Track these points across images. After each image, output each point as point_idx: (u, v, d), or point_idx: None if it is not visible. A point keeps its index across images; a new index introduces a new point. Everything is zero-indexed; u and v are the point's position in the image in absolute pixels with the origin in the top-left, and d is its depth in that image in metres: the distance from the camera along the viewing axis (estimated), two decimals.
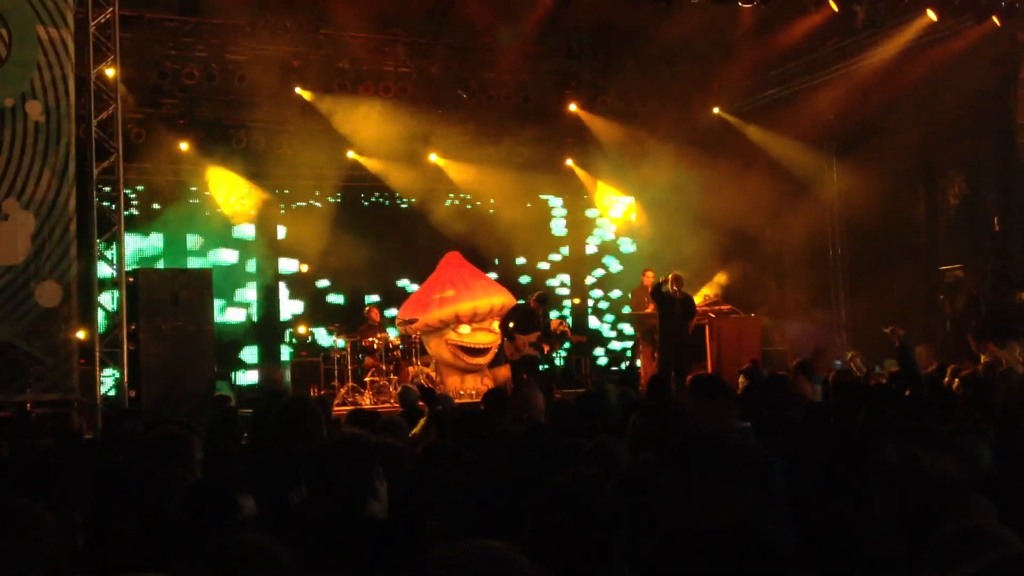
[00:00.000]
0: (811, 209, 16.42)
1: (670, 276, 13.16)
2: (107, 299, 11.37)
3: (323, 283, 17.11)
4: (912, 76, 13.59)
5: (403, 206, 17.74)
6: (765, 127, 16.12)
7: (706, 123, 16.63)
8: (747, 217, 15.98)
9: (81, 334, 10.88)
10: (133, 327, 11.17)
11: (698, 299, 15.06)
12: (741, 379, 8.16)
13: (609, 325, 19.12)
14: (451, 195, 17.68)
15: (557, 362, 16.88)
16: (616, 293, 18.99)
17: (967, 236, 14.76)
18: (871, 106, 14.65)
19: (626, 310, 17.66)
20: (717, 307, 14.57)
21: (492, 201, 17.93)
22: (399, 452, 4.56)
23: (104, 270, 11.23)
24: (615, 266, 19.31)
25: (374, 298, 16.65)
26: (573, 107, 16.42)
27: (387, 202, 17.66)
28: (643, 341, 15.09)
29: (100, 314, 11.18)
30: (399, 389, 11.66)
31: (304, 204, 17.03)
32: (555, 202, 19.18)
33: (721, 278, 16.28)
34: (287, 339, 16.59)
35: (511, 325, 13.50)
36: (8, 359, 10.09)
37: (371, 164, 16.39)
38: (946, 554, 2.27)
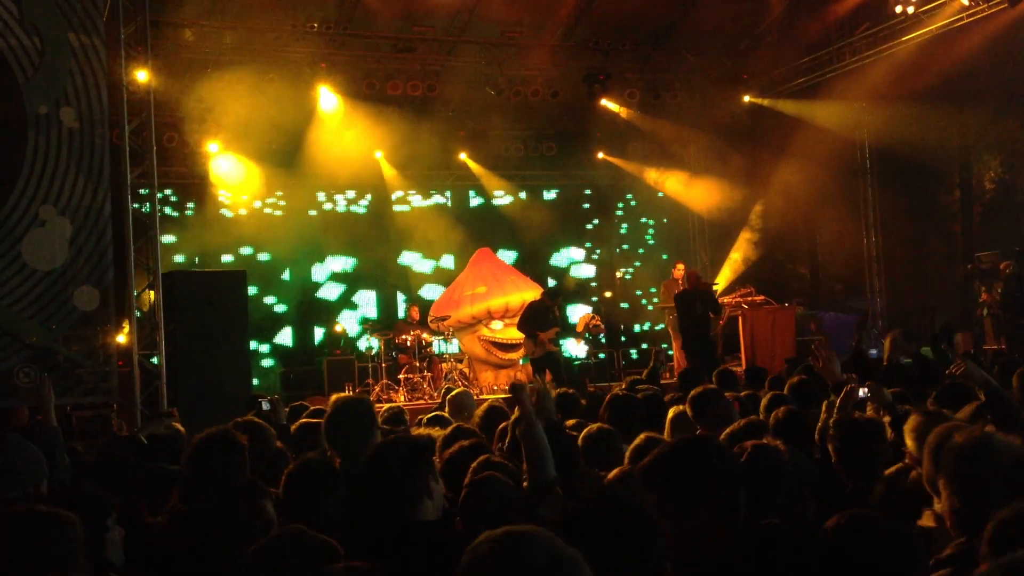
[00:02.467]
0: (845, 196, 16.26)
1: (687, 274, 13.17)
2: (144, 302, 11.51)
3: (357, 284, 17.26)
4: (946, 62, 13.39)
5: (434, 202, 17.81)
6: (796, 116, 15.98)
7: (736, 113, 16.51)
8: (780, 206, 15.86)
9: (121, 338, 11.01)
10: (171, 328, 11.28)
11: (722, 281, 15.00)
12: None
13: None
14: (480, 190, 17.71)
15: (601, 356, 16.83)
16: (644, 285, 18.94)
17: (1003, 221, 14.57)
18: (904, 93, 14.45)
19: (656, 301, 17.61)
20: (750, 298, 14.47)
21: (523, 196, 17.94)
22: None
23: (140, 273, 11.36)
24: (646, 258, 19.26)
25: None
26: (603, 101, 16.35)
27: (419, 201, 17.72)
28: (674, 334, 15.04)
29: (137, 317, 11.31)
30: (442, 387, 11.75)
31: (335, 204, 17.17)
32: (585, 196, 19.14)
33: (736, 255, 16.30)
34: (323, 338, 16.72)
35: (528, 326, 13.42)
36: (48, 363, 10.22)
37: (395, 170, 16.49)
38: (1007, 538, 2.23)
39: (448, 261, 17.56)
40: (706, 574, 2.68)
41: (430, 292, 17.24)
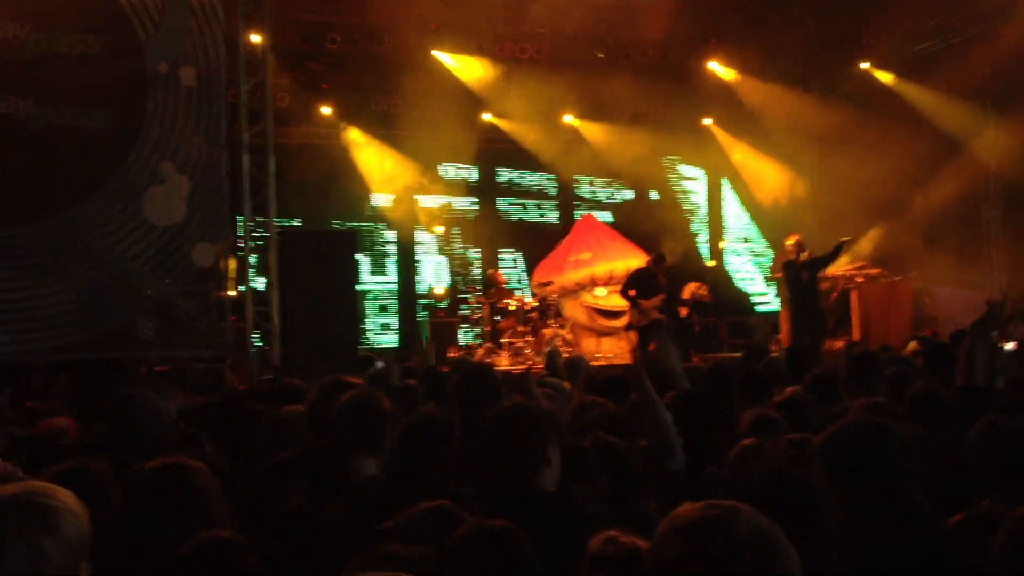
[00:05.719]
0: (965, 168, 15.54)
1: (790, 243, 12.63)
2: (257, 260, 11.72)
3: (460, 247, 17.34)
4: None
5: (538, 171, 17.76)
6: (918, 83, 15.33)
7: (855, 79, 15.91)
8: (897, 177, 15.25)
9: (234, 293, 11.24)
10: (283, 287, 11.46)
11: (845, 263, 14.48)
12: (912, 344, 7.72)
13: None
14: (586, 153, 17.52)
15: None
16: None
17: None
18: None
19: (766, 274, 17.25)
20: (865, 271, 13.99)
21: (631, 157, 17.68)
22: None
23: (254, 231, 11.57)
24: (755, 229, 18.88)
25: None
26: (713, 64, 15.95)
27: (523, 165, 17.66)
28: (785, 305, 14.65)
29: (251, 274, 11.55)
30: (546, 351, 11.73)
31: (442, 167, 17.23)
32: (693, 162, 18.82)
33: (867, 244, 15.68)
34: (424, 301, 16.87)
35: (632, 293, 13.21)
36: (167, 317, 10.50)
37: (507, 126, 16.41)
38: None
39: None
40: (871, 560, 2.59)
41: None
